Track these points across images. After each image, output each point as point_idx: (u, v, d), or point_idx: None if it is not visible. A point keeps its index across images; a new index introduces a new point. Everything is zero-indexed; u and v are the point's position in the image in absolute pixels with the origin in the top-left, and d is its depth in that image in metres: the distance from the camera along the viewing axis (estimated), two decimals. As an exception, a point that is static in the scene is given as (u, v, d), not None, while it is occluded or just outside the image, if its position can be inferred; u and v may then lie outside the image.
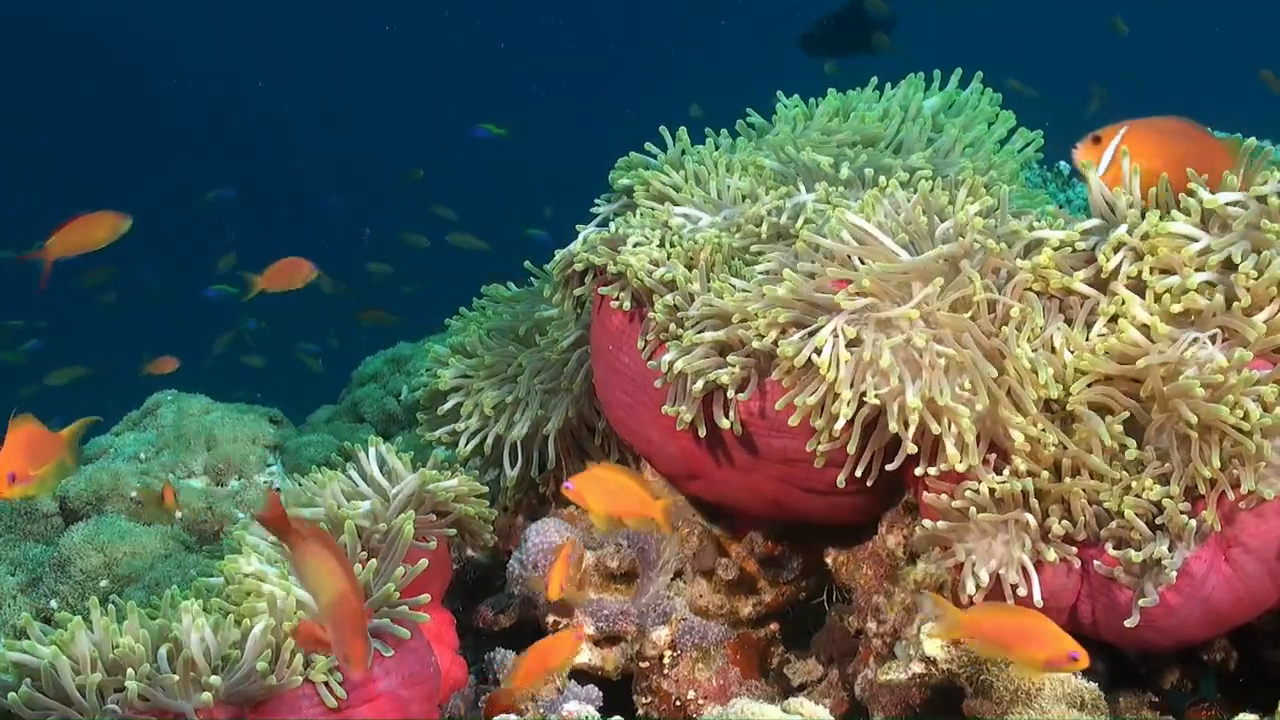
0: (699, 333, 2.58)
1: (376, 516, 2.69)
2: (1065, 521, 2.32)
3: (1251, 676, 2.52)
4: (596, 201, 3.10)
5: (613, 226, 2.88)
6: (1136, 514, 2.29)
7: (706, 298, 2.59)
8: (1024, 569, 2.36)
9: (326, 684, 2.35)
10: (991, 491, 2.34)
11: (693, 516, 2.93)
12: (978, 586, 2.39)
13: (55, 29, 19.04)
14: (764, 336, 2.48)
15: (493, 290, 3.43)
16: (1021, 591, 2.36)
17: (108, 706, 2.26)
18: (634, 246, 2.75)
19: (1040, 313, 2.43)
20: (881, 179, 2.71)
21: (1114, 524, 2.31)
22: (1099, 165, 2.47)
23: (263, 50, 19.80)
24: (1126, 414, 2.33)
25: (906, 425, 2.35)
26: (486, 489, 2.93)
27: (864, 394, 2.38)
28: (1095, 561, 2.33)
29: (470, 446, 3.13)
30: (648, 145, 3.06)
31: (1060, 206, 3.27)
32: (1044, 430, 2.35)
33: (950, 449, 2.35)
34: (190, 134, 18.68)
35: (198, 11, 19.93)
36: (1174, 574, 2.23)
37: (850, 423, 2.41)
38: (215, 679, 2.27)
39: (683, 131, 3.07)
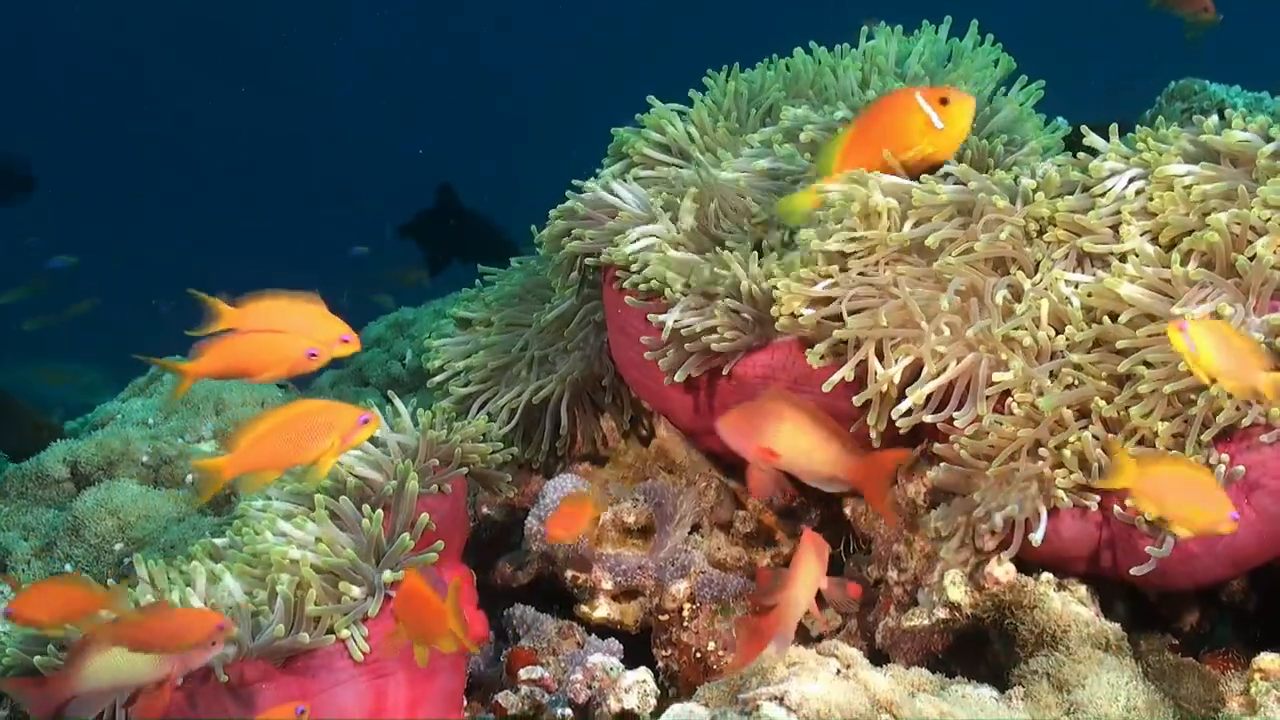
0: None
1: (385, 471, 2.69)
2: (1076, 474, 2.34)
3: (1270, 614, 2.54)
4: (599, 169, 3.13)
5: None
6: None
7: (715, 270, 2.63)
8: (1036, 514, 2.38)
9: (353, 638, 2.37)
10: (1004, 437, 2.37)
11: (709, 470, 2.95)
12: (993, 532, 2.41)
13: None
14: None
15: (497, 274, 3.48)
16: (1032, 536, 2.38)
17: None
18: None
19: (1046, 258, 2.47)
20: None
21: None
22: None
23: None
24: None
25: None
26: (494, 426, 2.93)
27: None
28: (1115, 507, 2.35)
29: (483, 413, 3.14)
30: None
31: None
32: (1044, 378, 2.38)
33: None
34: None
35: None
36: None
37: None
38: (242, 632, 2.28)
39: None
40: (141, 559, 2.58)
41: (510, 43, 19.64)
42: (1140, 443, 2.31)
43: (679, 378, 2.65)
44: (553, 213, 3.03)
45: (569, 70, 17.53)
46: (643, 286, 2.69)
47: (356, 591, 2.42)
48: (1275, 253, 2.30)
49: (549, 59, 18.67)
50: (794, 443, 2.26)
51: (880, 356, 2.46)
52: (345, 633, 2.38)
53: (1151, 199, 2.47)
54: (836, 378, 2.48)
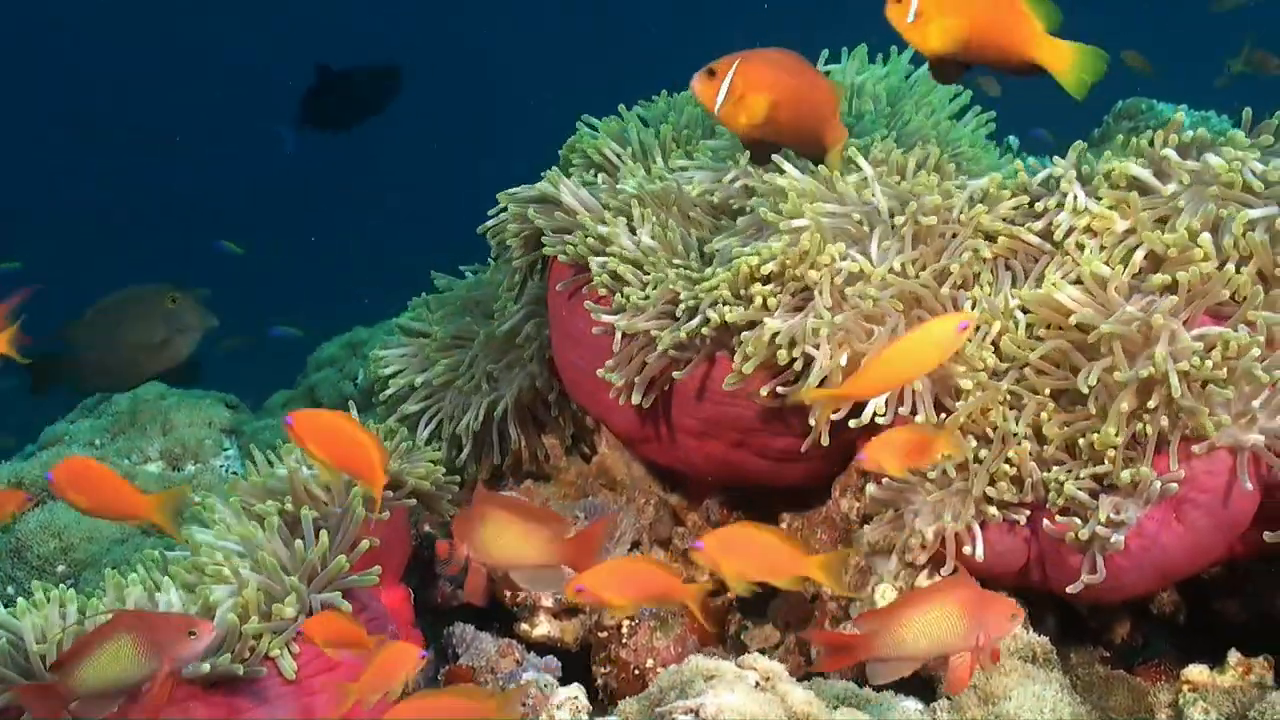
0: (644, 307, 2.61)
1: (332, 493, 2.68)
2: (1011, 488, 2.34)
3: (1200, 626, 2.55)
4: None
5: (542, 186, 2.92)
6: (1080, 487, 2.30)
7: (656, 275, 2.61)
8: (969, 529, 2.38)
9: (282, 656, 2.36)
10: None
11: (649, 487, 2.95)
12: (923, 545, 2.42)
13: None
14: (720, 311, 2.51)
15: (446, 283, 3.47)
16: (967, 550, 2.38)
17: None
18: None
19: (988, 271, 2.48)
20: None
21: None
22: (715, 101, 2.54)
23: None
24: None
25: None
26: (440, 455, 2.93)
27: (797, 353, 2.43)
28: (1045, 522, 2.35)
29: (428, 430, 3.14)
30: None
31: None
32: (985, 389, 2.38)
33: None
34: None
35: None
36: (1121, 541, 2.25)
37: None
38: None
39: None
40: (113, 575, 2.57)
41: (510, 42, 19.74)
42: (1074, 456, 2.33)
43: (636, 399, 2.65)
44: (502, 198, 3.01)
45: (569, 70, 17.64)
46: (602, 276, 2.67)
47: (289, 611, 2.41)
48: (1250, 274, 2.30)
49: (548, 59, 18.77)
50: (497, 542, 2.20)
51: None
52: (275, 652, 2.37)
53: (1105, 208, 2.46)
54: (811, 379, 2.47)
